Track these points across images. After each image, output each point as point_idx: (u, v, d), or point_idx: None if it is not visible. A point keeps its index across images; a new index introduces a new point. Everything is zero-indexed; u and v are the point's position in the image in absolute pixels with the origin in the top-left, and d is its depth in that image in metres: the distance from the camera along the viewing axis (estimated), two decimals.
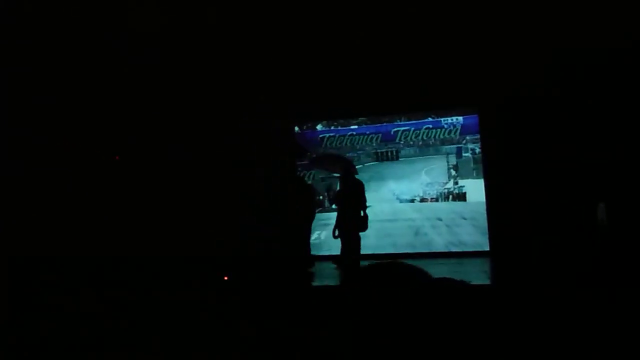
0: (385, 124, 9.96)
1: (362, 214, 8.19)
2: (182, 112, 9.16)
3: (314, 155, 10.13)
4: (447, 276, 4.99)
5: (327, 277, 7.87)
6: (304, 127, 10.38)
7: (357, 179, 8.59)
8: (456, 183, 9.53)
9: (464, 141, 9.53)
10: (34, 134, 8.26)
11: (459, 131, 9.56)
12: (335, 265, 8.36)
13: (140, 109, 9.01)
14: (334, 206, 8.79)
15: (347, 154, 9.97)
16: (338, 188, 8.79)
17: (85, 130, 8.76)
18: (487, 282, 6.53)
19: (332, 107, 9.49)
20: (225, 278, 6.25)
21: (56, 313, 4.53)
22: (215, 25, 7.58)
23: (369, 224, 8.34)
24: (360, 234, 8.23)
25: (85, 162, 8.63)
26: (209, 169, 9.12)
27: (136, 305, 4.58)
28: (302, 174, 10.03)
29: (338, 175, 8.88)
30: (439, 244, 9.35)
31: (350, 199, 8.24)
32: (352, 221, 8.17)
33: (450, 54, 8.21)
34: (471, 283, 4.73)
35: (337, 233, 8.33)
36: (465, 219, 9.36)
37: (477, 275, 7.08)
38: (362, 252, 8.36)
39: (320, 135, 10.27)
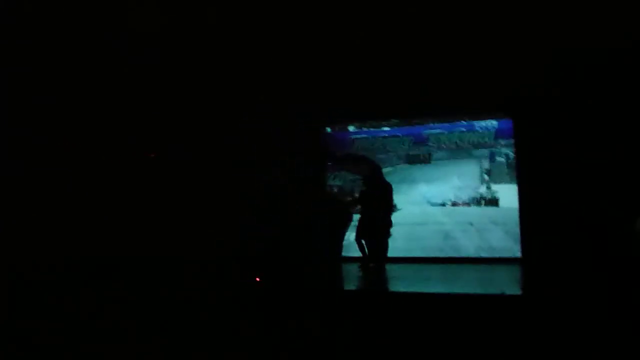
0: (417, 126, 9.87)
1: (386, 219, 8.11)
2: (182, 112, 9.20)
3: (339, 156, 10.14)
4: (478, 283, 4.96)
5: (351, 279, 7.83)
6: (336, 128, 10.35)
7: (386, 182, 8.48)
8: (488, 188, 9.39)
9: (498, 145, 9.38)
10: (34, 134, 8.34)
11: (493, 135, 9.42)
12: (360, 268, 8.28)
13: (140, 109, 9.06)
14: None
15: (379, 156, 9.92)
16: (361, 190, 8.74)
17: (85, 130, 8.82)
18: (519, 292, 6.41)
19: (363, 109, 9.46)
20: (258, 279, 6.20)
21: (56, 313, 4.57)
22: (217, 25, 7.58)
23: (399, 227, 8.31)
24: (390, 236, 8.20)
25: (85, 162, 8.69)
26: (209, 169, 9.13)
27: (136, 305, 4.60)
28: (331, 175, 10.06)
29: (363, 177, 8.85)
30: (469, 249, 9.23)
31: (378, 202, 8.17)
32: (377, 225, 8.11)
33: (481, 57, 8.10)
34: (505, 294, 4.67)
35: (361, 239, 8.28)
36: (496, 224, 9.20)
37: (509, 283, 6.95)
38: (392, 254, 8.32)
39: (352, 137, 10.24)
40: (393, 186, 8.46)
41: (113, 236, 7.99)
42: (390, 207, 8.21)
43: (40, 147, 8.36)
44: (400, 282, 7.48)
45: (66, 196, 8.25)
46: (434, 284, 7.02)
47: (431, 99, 8.84)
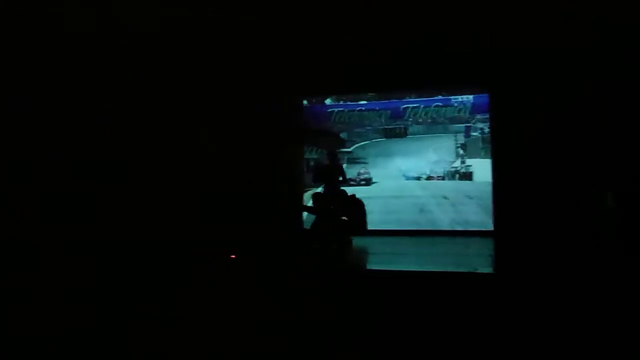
0: (394, 100, 9.88)
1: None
2: (181, 112, 9.13)
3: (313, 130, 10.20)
4: (451, 257, 5.06)
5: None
6: (312, 101, 10.31)
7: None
8: (463, 162, 9.51)
9: (473, 120, 9.46)
10: (35, 134, 8.25)
11: (468, 110, 9.49)
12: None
13: (140, 108, 8.97)
14: None
15: (355, 130, 9.98)
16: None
17: (84, 129, 8.73)
18: (490, 268, 6.54)
19: (341, 82, 9.42)
20: (233, 257, 6.23)
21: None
22: (212, 19, 7.56)
23: (375, 200, 8.52)
24: (366, 209, 8.37)
25: (88, 161, 8.59)
26: (209, 168, 9.06)
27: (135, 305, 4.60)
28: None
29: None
30: (444, 222, 9.36)
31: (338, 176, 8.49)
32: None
33: (461, 32, 8.08)
34: (477, 271, 4.77)
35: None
36: (471, 198, 9.34)
37: (481, 259, 7.08)
38: (368, 227, 8.49)
39: (329, 110, 10.21)
40: (370, 160, 8.66)
41: (112, 236, 7.87)
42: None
43: (42, 147, 8.26)
44: (376, 258, 7.58)
45: (66, 195, 8.16)
46: (409, 259, 7.13)
47: (408, 73, 8.88)
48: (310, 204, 9.29)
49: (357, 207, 8.28)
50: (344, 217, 8.16)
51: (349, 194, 8.36)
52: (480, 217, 9.16)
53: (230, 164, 9.03)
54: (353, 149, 10.03)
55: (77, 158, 8.41)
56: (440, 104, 9.64)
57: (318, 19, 7.85)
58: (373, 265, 7.09)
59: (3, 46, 7.74)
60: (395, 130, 9.86)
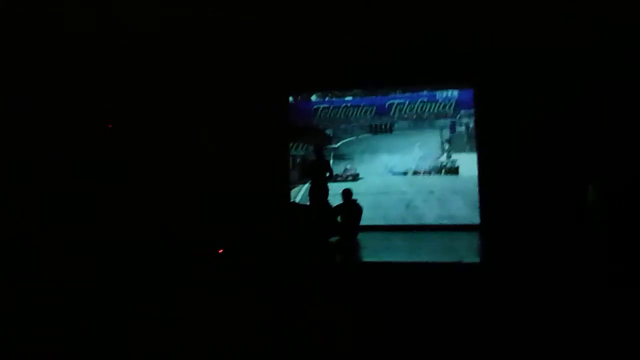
0: (380, 96, 10.00)
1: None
2: (181, 112, 9.16)
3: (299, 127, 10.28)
4: (438, 251, 5.18)
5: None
6: (298, 98, 10.37)
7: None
8: (449, 157, 9.65)
9: (458, 116, 9.61)
10: (35, 134, 8.25)
11: (453, 105, 9.63)
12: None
13: (140, 108, 8.99)
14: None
15: (341, 126, 10.07)
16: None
17: (85, 128, 8.74)
18: (477, 259, 6.68)
19: (326, 77, 9.49)
20: (220, 251, 6.32)
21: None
22: (212, 19, 7.61)
23: (362, 196, 8.65)
24: None
25: (88, 160, 8.60)
26: (209, 168, 9.10)
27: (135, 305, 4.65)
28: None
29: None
30: (430, 217, 9.51)
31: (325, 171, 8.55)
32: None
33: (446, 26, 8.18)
34: (463, 261, 4.92)
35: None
36: (456, 193, 9.49)
37: (468, 252, 7.23)
38: None
39: (315, 106, 10.29)
40: (356, 156, 8.98)
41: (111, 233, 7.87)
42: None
43: (45, 148, 8.25)
44: (366, 252, 7.70)
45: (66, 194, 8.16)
46: (398, 253, 7.26)
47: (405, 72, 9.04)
48: (298, 200, 9.46)
49: (356, 212, 8.42)
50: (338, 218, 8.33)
51: (352, 197, 8.49)
52: (466, 212, 9.31)
53: (230, 164, 9.08)
54: (339, 145, 10.15)
55: (77, 158, 8.41)
56: (426, 99, 9.77)
57: (318, 19, 7.90)
58: (365, 258, 7.21)
59: (3, 46, 7.71)
60: (381, 126, 9.97)
